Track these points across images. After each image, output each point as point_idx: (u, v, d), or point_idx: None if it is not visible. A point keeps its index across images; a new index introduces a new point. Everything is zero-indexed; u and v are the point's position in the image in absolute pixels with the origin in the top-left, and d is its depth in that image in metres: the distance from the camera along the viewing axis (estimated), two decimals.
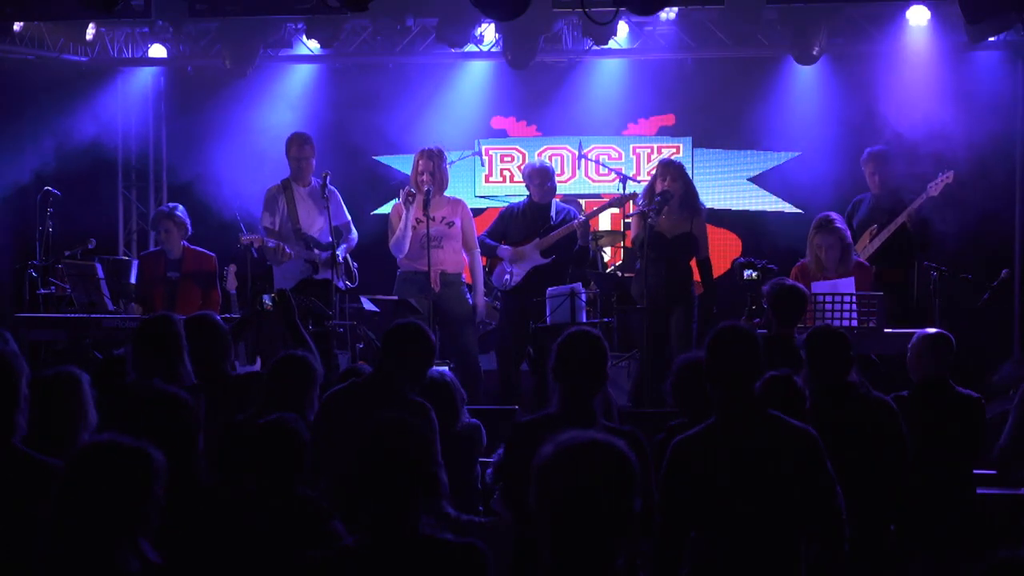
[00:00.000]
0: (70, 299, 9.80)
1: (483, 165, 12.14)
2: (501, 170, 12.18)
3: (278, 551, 4.21)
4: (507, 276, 9.30)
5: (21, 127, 11.44)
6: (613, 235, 10.71)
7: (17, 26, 10.80)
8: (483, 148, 12.06)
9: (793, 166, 11.75)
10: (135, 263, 10.23)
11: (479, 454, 6.16)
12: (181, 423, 4.41)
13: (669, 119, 12.05)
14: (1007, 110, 11.02)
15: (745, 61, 11.56)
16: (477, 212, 10.64)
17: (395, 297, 9.08)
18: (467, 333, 9.20)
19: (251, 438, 4.48)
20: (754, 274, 8.78)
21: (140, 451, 3.34)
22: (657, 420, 6.70)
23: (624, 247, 10.19)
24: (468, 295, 9.21)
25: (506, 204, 9.92)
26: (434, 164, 9.00)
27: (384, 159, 12.17)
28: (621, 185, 10.12)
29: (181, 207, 9.58)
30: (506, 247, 9.33)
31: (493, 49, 11.52)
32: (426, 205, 8.82)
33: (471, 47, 11.44)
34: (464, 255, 9.23)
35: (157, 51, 11.90)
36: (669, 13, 10.79)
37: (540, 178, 9.32)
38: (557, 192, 9.55)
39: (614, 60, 11.76)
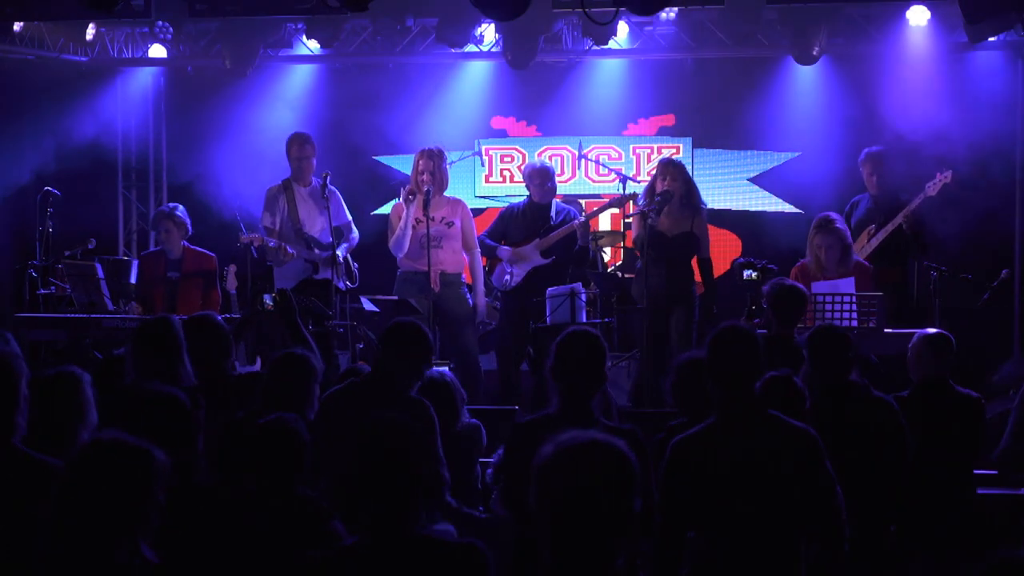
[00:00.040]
0: (70, 299, 9.80)
1: (483, 165, 12.14)
2: (501, 170, 12.18)
3: (278, 551, 4.21)
4: (507, 276, 9.30)
5: (21, 127, 11.44)
6: (613, 235, 10.71)
7: (17, 26, 10.81)
8: (483, 148, 12.06)
9: (793, 166, 11.75)
10: (135, 263, 10.24)
11: (479, 454, 6.17)
12: (179, 423, 4.42)
13: (669, 119, 12.05)
14: (1007, 110, 11.02)
15: (745, 61, 11.56)
16: (477, 212, 10.64)
17: (395, 297, 9.08)
18: (467, 333, 9.20)
19: (251, 438, 4.48)
20: (754, 274, 8.78)
21: (143, 450, 3.34)
22: (657, 420, 6.70)
23: (624, 247, 10.20)
24: (468, 295, 9.21)
25: (506, 204, 9.92)
26: (434, 164, 9.00)
27: (384, 159, 12.17)
28: (621, 185, 10.12)
29: (181, 207, 9.58)
30: (506, 248, 9.33)
31: (493, 49, 11.52)
32: (426, 205, 8.82)
33: (471, 47, 11.44)
34: (464, 255, 9.23)
35: (157, 51, 11.90)
36: (669, 13, 10.79)
37: (540, 178, 9.32)
38: (557, 192, 9.55)
39: (614, 60, 11.76)
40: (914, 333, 6.62)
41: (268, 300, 7.80)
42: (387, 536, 3.37)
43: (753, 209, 11.92)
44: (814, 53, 10.70)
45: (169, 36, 11.24)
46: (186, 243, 9.44)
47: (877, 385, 5.78)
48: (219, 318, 6.41)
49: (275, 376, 5.46)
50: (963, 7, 8.76)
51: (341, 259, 9.04)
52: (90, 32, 11.53)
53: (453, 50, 11.31)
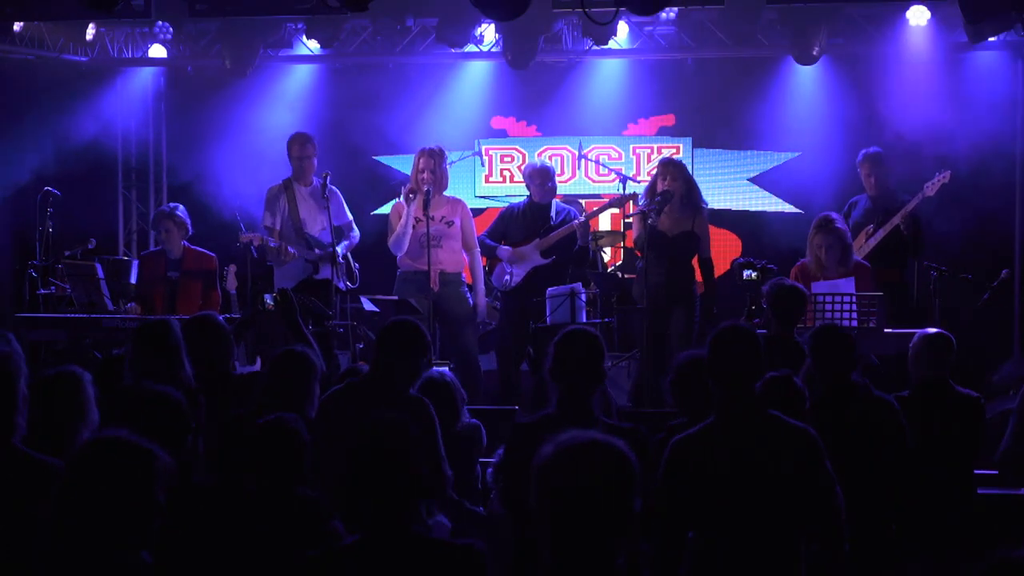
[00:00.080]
0: (70, 299, 9.80)
1: (483, 165, 12.14)
2: (501, 170, 12.18)
3: (278, 551, 4.21)
4: (507, 276, 9.30)
5: (21, 127, 11.44)
6: (613, 235, 10.71)
7: (17, 26, 10.81)
8: (483, 148, 12.06)
9: (793, 166, 11.75)
10: (135, 263, 10.24)
11: (479, 454, 6.17)
12: (177, 424, 4.42)
13: (669, 119, 12.05)
14: (1007, 110, 11.02)
15: (745, 61, 11.56)
16: (477, 212, 10.64)
17: (395, 297, 9.09)
18: (467, 333, 9.20)
19: (251, 438, 4.49)
20: (753, 274, 8.78)
21: (145, 449, 3.33)
22: (657, 420, 6.70)
23: (624, 247, 10.20)
24: (468, 294, 9.21)
25: (506, 204, 9.92)
26: (434, 162, 9.01)
27: (384, 159, 12.17)
28: (621, 185, 10.13)
29: (182, 207, 9.58)
30: (506, 247, 9.33)
31: (493, 49, 11.52)
32: (426, 204, 8.82)
33: (471, 47, 11.44)
34: (464, 255, 9.23)
35: (157, 51, 11.90)
36: (669, 13, 10.79)
37: (541, 178, 9.32)
38: (557, 192, 9.55)
39: (614, 60, 11.76)
40: (914, 333, 6.62)
41: (269, 300, 7.80)
42: (386, 536, 3.37)
43: (753, 209, 11.92)
44: (814, 53, 10.70)
45: (169, 36, 11.24)
46: (186, 243, 9.44)
47: (877, 385, 5.78)
48: (220, 318, 6.42)
49: (275, 373, 5.47)
50: (963, 7, 8.76)
51: (341, 257, 9.04)
52: (90, 32, 11.53)
53: (453, 50, 11.31)
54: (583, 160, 11.72)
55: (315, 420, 5.22)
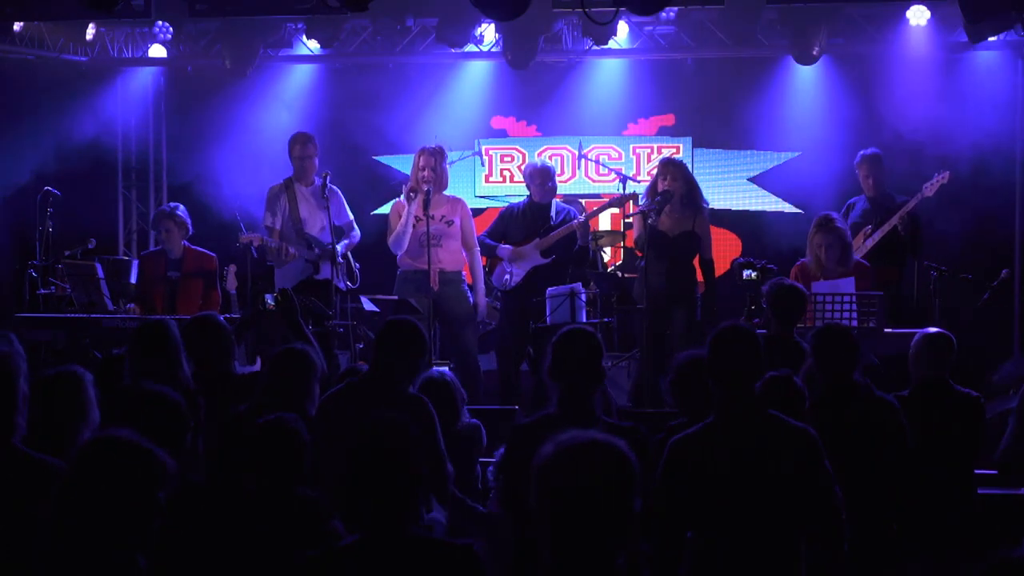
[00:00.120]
0: (70, 299, 9.80)
1: (483, 165, 12.14)
2: (501, 170, 12.18)
3: (278, 551, 4.21)
4: (507, 276, 9.30)
5: (21, 127, 11.43)
6: (613, 235, 10.71)
7: (17, 26, 10.81)
8: (483, 148, 12.06)
9: (793, 166, 11.75)
10: (135, 263, 10.24)
11: (479, 454, 6.17)
12: (176, 424, 4.42)
13: (669, 119, 12.05)
14: (1007, 110, 11.03)
15: (745, 61, 11.56)
16: (477, 212, 10.65)
17: (395, 297, 9.09)
18: (467, 333, 9.20)
19: (251, 438, 4.49)
20: (753, 274, 8.78)
21: (147, 450, 3.34)
22: (657, 420, 6.70)
23: (624, 247, 10.20)
24: (469, 293, 9.21)
25: (506, 204, 9.92)
26: (435, 161, 9.01)
27: (384, 159, 12.17)
28: (621, 185, 10.13)
29: (182, 207, 9.58)
30: (506, 247, 9.33)
31: (493, 49, 11.52)
32: (426, 204, 8.82)
33: (471, 47, 11.44)
34: (463, 253, 9.24)
35: (157, 51, 11.90)
36: (669, 13, 10.79)
37: (541, 178, 9.32)
38: (557, 192, 9.55)
39: (614, 60, 11.76)
40: (914, 333, 6.62)
41: (270, 300, 7.80)
42: (385, 536, 3.37)
43: (753, 209, 11.92)
44: (814, 53, 10.70)
45: (169, 36, 11.24)
46: (187, 243, 9.44)
47: (877, 385, 5.78)
48: (221, 318, 6.42)
49: (275, 371, 5.47)
50: (963, 7, 8.76)
51: (340, 256, 9.03)
52: (90, 32, 11.53)
53: (453, 50, 11.31)
54: (583, 160, 11.71)
55: (315, 420, 5.22)
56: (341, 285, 9.00)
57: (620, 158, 11.86)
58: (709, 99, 11.78)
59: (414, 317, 7.09)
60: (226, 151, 11.67)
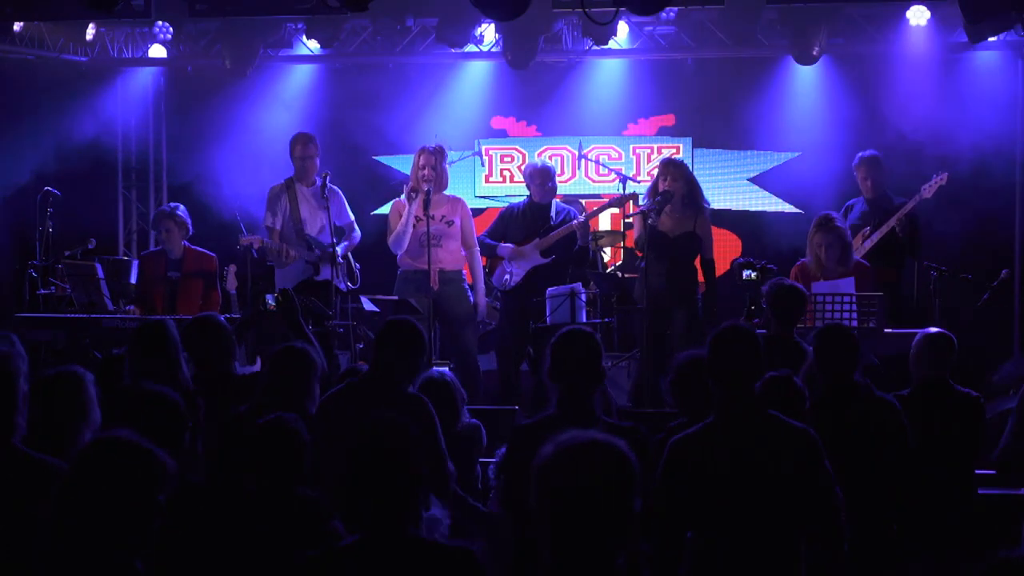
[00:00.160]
0: (70, 299, 9.80)
1: (483, 165, 12.14)
2: (501, 170, 12.18)
3: (277, 551, 4.21)
4: (507, 276, 9.30)
5: (21, 127, 11.43)
6: (613, 235, 10.71)
7: (17, 26, 10.81)
8: (483, 148, 12.06)
9: (793, 166, 11.75)
10: (135, 263, 10.24)
11: (479, 454, 6.17)
12: (175, 424, 4.42)
13: (669, 119, 12.05)
14: (1007, 110, 11.03)
15: (745, 61, 11.56)
16: (477, 212, 10.65)
17: (395, 297, 9.09)
18: (467, 333, 9.20)
19: (251, 438, 4.49)
20: (753, 274, 8.77)
21: (149, 451, 3.34)
22: (657, 420, 6.70)
23: (624, 247, 10.20)
24: (469, 292, 9.21)
25: (506, 204, 9.92)
26: (435, 160, 9.01)
27: (384, 159, 12.17)
28: (621, 185, 10.13)
29: (182, 207, 9.58)
30: (506, 245, 9.33)
31: (493, 49, 11.52)
32: (426, 204, 8.82)
33: (471, 47, 11.44)
34: (463, 253, 9.23)
35: (157, 51, 11.90)
36: (669, 13, 10.79)
37: (541, 178, 9.33)
38: (557, 192, 9.55)
39: (614, 60, 11.76)
40: (914, 333, 6.62)
41: (271, 300, 7.80)
42: (385, 536, 3.37)
43: (753, 209, 11.92)
44: (814, 53, 10.70)
45: (169, 36, 11.24)
46: (187, 243, 9.44)
47: (877, 385, 5.78)
48: (222, 318, 6.42)
49: (275, 370, 5.47)
50: (963, 7, 8.76)
51: (340, 257, 9.03)
52: (90, 32, 11.53)
53: (453, 50, 11.31)
54: (583, 160, 11.71)
55: (315, 420, 5.22)
56: (341, 286, 9.00)
57: (620, 158, 11.86)
58: (709, 99, 11.78)
59: (414, 317, 7.09)
60: (226, 151, 11.67)
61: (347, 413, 5.13)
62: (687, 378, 5.27)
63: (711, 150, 11.95)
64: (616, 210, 10.45)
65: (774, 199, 11.87)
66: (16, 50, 11.19)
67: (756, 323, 8.10)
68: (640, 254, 8.90)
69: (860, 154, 9.65)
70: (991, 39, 10.29)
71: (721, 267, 9.68)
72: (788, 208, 11.77)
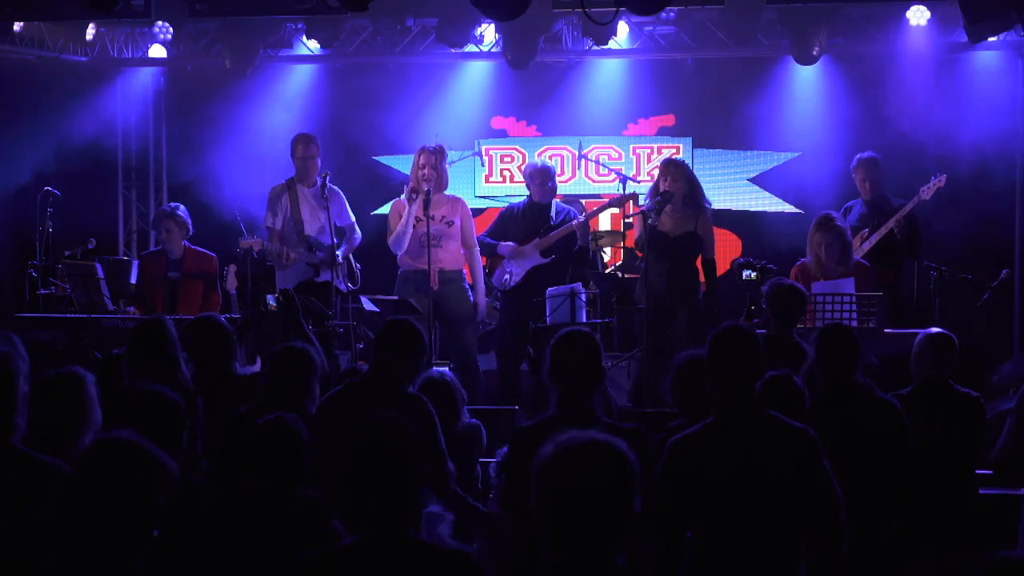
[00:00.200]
0: (70, 299, 9.79)
1: (483, 165, 12.14)
2: (501, 170, 12.18)
3: (278, 551, 4.22)
4: (507, 276, 9.31)
5: (21, 127, 11.43)
6: (613, 235, 10.71)
7: (17, 26, 10.80)
8: (483, 148, 12.06)
9: (793, 166, 11.75)
10: (135, 263, 10.23)
11: (479, 454, 6.18)
12: (173, 424, 4.43)
13: (669, 119, 12.05)
14: (1007, 110, 11.02)
15: (745, 61, 11.56)
16: (477, 212, 10.65)
17: (395, 297, 9.09)
18: (467, 333, 9.20)
19: (251, 438, 4.49)
20: (753, 274, 8.77)
21: (152, 453, 3.34)
22: (657, 420, 6.70)
23: (624, 247, 10.20)
24: (469, 291, 9.22)
25: (506, 204, 9.92)
26: (435, 160, 9.01)
27: (384, 159, 12.16)
28: (621, 185, 10.13)
29: (183, 207, 9.59)
30: (507, 243, 9.32)
31: (493, 49, 11.52)
32: (426, 205, 8.82)
33: (471, 47, 11.44)
34: (463, 253, 9.24)
35: (157, 51, 11.90)
36: (669, 13, 10.79)
37: (541, 178, 9.33)
38: (557, 192, 9.55)
39: (614, 60, 11.76)
40: (914, 333, 6.63)
41: (271, 301, 7.80)
42: (384, 537, 3.37)
43: (753, 209, 11.92)
44: (814, 53, 10.70)
45: (169, 36, 11.24)
46: (187, 243, 9.44)
47: (877, 386, 5.78)
48: (223, 319, 6.42)
49: (276, 370, 5.47)
50: (963, 7, 8.76)
51: (341, 259, 9.03)
52: (90, 32, 11.52)
53: (453, 50, 11.31)
54: (583, 160, 11.71)
55: (315, 420, 5.23)
56: (342, 286, 8.99)
57: (620, 158, 11.86)
58: (709, 99, 11.78)
59: (414, 317, 7.09)
60: (226, 151, 11.66)
61: (347, 413, 5.13)
62: (687, 378, 5.27)
63: (711, 150, 11.95)
64: (616, 210, 10.45)
65: (774, 199, 11.87)
66: (16, 50, 11.19)
67: (756, 323, 8.10)
68: (640, 254, 8.90)
69: (858, 156, 9.64)
70: (991, 39, 10.29)
71: (721, 267, 9.68)
72: (788, 208, 11.77)
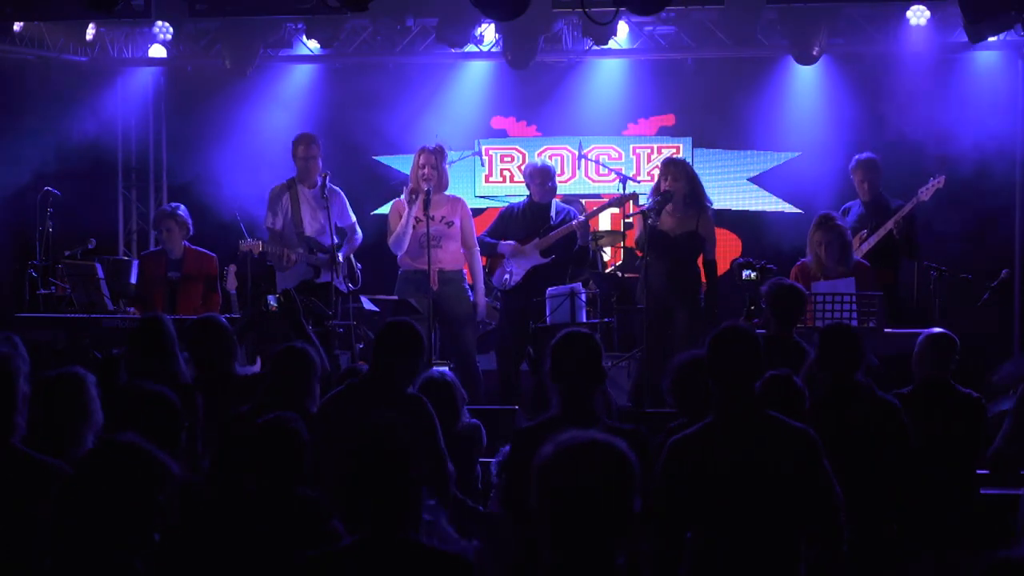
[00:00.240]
0: (70, 299, 9.79)
1: (483, 165, 12.14)
2: (501, 170, 12.18)
3: (277, 551, 4.22)
4: (507, 276, 9.31)
5: (21, 127, 11.43)
6: (613, 235, 10.70)
7: (17, 26, 10.80)
8: (483, 148, 12.06)
9: (793, 166, 11.75)
10: (135, 263, 10.23)
11: (479, 454, 6.18)
12: (172, 423, 4.43)
13: (669, 119, 12.05)
14: (1007, 110, 11.02)
15: (745, 61, 11.56)
16: (477, 212, 10.65)
17: (395, 297, 9.09)
18: (467, 333, 9.20)
19: (251, 438, 4.49)
20: (753, 274, 8.77)
21: (154, 455, 3.34)
22: (657, 420, 6.70)
23: (624, 247, 10.20)
24: (469, 291, 9.22)
25: (506, 204, 9.92)
26: (435, 160, 9.01)
27: (384, 159, 12.16)
28: (621, 185, 10.12)
29: (183, 207, 9.59)
30: (507, 243, 9.32)
31: (493, 49, 11.52)
32: (426, 205, 8.82)
33: (471, 47, 11.44)
34: (463, 253, 9.23)
35: (157, 51, 11.90)
36: (669, 13, 10.79)
37: (541, 178, 9.33)
38: (557, 192, 9.55)
39: (614, 60, 11.76)
40: (916, 333, 6.63)
41: (272, 301, 7.81)
42: (384, 538, 3.37)
43: (753, 209, 11.92)
44: (814, 53, 10.70)
45: (169, 36, 11.24)
46: (187, 243, 9.44)
47: (877, 385, 5.78)
48: (223, 319, 6.42)
49: (276, 370, 5.48)
50: (963, 7, 8.76)
51: (342, 260, 9.03)
52: (90, 32, 11.52)
53: (453, 50, 11.31)
54: (583, 160, 11.71)
55: (315, 421, 5.23)
56: (342, 287, 8.99)
57: (620, 158, 11.86)
58: (709, 99, 11.77)
59: (414, 317, 7.10)
60: (226, 151, 11.67)
61: (347, 414, 5.13)
62: (687, 378, 5.27)
63: (711, 150, 11.95)
64: (616, 210, 10.45)
65: (774, 199, 11.87)
66: (16, 50, 11.19)
67: (756, 323, 8.10)
68: (640, 254, 8.90)
69: (856, 157, 9.64)
70: (991, 39, 10.28)
71: (721, 267, 9.68)
72: (788, 208, 11.77)
